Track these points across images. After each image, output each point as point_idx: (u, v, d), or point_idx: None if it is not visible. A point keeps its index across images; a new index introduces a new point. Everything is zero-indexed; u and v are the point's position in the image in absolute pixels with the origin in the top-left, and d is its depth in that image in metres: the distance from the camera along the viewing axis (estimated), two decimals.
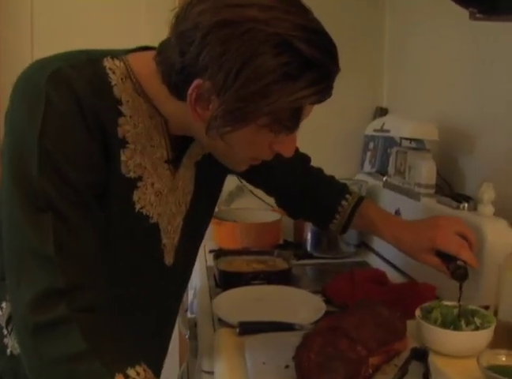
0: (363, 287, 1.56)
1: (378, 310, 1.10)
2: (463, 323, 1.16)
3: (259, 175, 1.37)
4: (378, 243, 2.07)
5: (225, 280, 1.72)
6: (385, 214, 1.47)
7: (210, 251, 2.02)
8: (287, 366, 1.04)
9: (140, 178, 1.01)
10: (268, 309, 1.47)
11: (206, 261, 2.01)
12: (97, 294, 0.90)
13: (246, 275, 1.72)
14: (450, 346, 1.15)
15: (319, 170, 1.52)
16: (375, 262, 1.98)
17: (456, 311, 1.20)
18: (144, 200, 1.03)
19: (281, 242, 2.19)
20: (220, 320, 1.41)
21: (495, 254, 1.34)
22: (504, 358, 1.06)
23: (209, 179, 1.18)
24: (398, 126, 1.70)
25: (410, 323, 1.20)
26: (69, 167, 0.89)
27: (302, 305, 1.47)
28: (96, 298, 0.89)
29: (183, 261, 1.18)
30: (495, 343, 1.17)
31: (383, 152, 2.14)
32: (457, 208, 1.52)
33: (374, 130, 1.90)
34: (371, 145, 2.27)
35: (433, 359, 1.10)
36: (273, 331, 1.23)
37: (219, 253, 1.88)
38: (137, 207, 1.02)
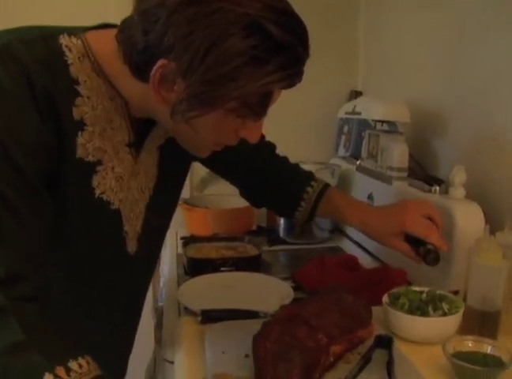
0: (333, 273, 1.52)
1: (342, 297, 1.06)
2: (430, 309, 1.12)
3: (224, 162, 1.33)
4: (351, 228, 2.03)
5: (193, 267, 1.67)
6: (351, 199, 1.44)
7: (181, 238, 1.97)
8: (247, 355, 1.00)
9: (99, 162, 0.96)
10: (235, 296, 1.43)
11: (177, 249, 1.96)
12: (40, 284, 0.85)
13: (214, 261, 1.67)
14: (417, 332, 1.11)
15: (284, 158, 1.47)
16: (349, 247, 1.95)
17: (424, 297, 1.16)
18: (105, 185, 0.98)
19: (254, 228, 2.15)
20: (185, 308, 1.36)
21: (465, 238, 1.31)
22: (471, 344, 1.03)
23: (173, 164, 1.13)
24: (369, 108, 1.66)
25: (378, 309, 1.16)
26: (16, 150, 0.82)
27: (270, 292, 1.42)
28: (38, 289, 0.84)
29: (147, 249, 1.13)
30: (464, 329, 1.14)
31: (357, 136, 2.10)
32: (429, 191, 1.48)
33: (346, 113, 1.86)
34: (346, 129, 2.22)
35: (399, 346, 1.07)
36: (236, 319, 1.19)
37: (188, 240, 1.84)
38: (97, 192, 0.97)
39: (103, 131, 0.95)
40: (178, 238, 2.02)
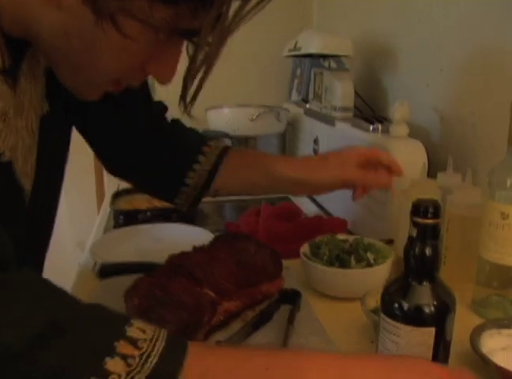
0: (268, 223, 1.37)
1: (243, 246, 0.89)
2: (353, 259, 0.97)
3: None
4: None
5: (121, 220, 1.53)
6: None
7: None
8: None
9: None
10: (155, 249, 1.28)
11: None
12: None
13: (143, 213, 1.53)
14: (335, 286, 0.96)
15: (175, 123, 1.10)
16: (297, 197, 1.80)
17: (347, 246, 1.01)
18: None
19: None
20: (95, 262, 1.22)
21: (403, 180, 1.15)
22: None
23: (63, 93, 0.80)
24: (309, 42, 1.48)
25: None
26: None
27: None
28: None
29: (43, 209, 0.88)
30: None
31: (309, 78, 1.93)
32: (371, 130, 1.33)
33: (289, 50, 1.68)
34: (298, 71, 2.05)
35: (311, 303, 0.93)
36: (137, 272, 1.03)
37: (120, 193, 1.68)
38: None
39: None
40: None
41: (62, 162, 0.93)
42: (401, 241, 1.00)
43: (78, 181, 2.23)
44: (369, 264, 0.97)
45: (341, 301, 0.97)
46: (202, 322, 0.76)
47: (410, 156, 1.18)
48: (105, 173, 2.30)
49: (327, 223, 1.34)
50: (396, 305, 0.66)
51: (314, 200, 1.70)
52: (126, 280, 0.97)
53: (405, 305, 0.66)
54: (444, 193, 1.05)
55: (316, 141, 1.62)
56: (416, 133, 1.28)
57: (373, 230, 1.26)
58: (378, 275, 0.97)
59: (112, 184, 2.05)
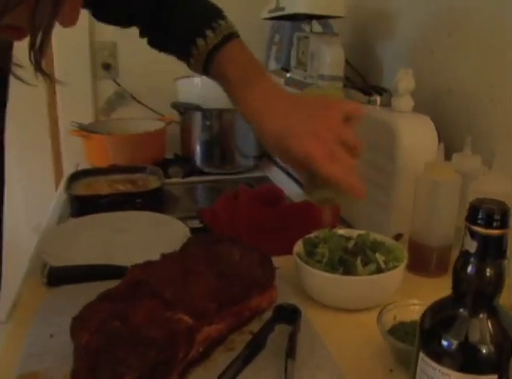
0: (246, 210, 1.18)
1: (225, 251, 0.70)
2: (359, 262, 0.79)
3: None
4: None
5: (78, 208, 1.33)
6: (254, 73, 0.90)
7: None
8: None
9: None
10: (115, 244, 1.08)
11: None
12: None
13: (103, 199, 1.33)
14: (338, 296, 0.78)
15: None
16: (278, 177, 1.62)
17: (351, 244, 0.83)
18: None
19: (171, 156, 1.80)
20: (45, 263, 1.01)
21: (411, 162, 0.97)
22: (419, 309, 0.70)
23: None
24: (294, 1, 1.28)
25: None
26: None
27: (162, 238, 1.08)
28: None
29: None
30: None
31: (289, 45, 1.73)
32: (368, 102, 1.14)
33: (269, 11, 1.48)
34: (277, 38, 1.85)
35: (312, 318, 0.74)
36: (98, 279, 0.84)
37: (76, 174, 1.48)
38: None
39: None
40: None
41: None
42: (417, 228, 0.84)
43: (33, 158, 2.02)
44: (379, 268, 0.79)
45: (346, 313, 0.79)
46: (176, 359, 0.57)
47: (419, 135, 1.00)
48: (63, 150, 2.10)
49: (317, 210, 1.16)
50: (441, 342, 0.48)
51: (296, 181, 1.52)
52: (82, 290, 0.78)
53: (454, 344, 0.48)
54: (464, 179, 0.88)
55: None
56: (418, 107, 1.09)
57: (371, 220, 1.09)
58: (391, 282, 0.79)
59: (70, 164, 1.84)
